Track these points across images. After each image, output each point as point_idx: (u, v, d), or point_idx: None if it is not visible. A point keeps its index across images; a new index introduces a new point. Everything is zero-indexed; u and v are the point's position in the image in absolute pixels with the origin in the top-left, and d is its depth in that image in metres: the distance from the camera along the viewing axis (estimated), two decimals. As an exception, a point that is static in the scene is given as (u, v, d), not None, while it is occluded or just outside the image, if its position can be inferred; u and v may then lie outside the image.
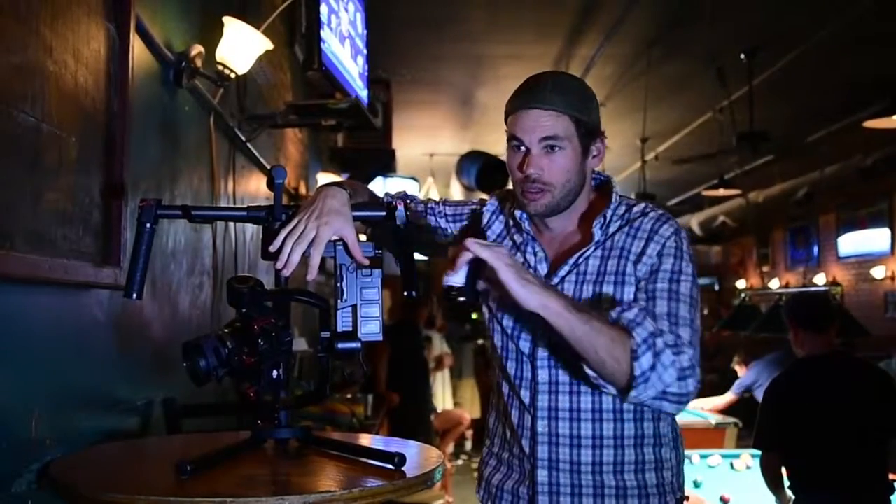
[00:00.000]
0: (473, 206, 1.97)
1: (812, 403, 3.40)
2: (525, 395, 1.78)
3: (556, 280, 1.74)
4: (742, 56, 6.58)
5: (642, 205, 1.78)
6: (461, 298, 1.55)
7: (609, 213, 1.75)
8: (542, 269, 1.78)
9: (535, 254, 1.79)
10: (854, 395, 3.39)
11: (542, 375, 1.75)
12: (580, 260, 1.74)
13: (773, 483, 3.57)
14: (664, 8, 6.03)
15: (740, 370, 6.31)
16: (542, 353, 1.75)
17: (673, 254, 1.70)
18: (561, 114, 1.69)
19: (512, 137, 1.73)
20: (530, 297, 1.53)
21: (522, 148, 1.71)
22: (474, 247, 1.52)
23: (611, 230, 1.75)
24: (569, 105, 1.69)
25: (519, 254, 1.82)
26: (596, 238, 1.73)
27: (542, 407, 1.74)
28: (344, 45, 3.94)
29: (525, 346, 1.78)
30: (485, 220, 1.92)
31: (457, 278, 1.53)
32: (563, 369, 1.72)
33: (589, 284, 1.71)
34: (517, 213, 1.82)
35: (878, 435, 3.36)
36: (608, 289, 1.70)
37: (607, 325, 1.57)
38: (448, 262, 1.57)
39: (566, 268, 1.74)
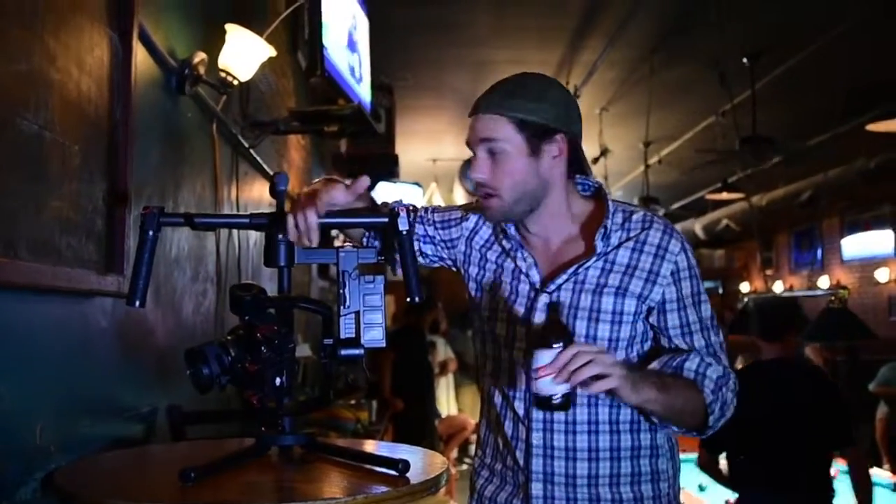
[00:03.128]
0: (460, 213, 1.94)
1: (753, 408, 3.38)
2: (519, 406, 1.75)
3: (552, 287, 1.72)
4: (745, 60, 6.57)
5: (641, 213, 1.76)
6: (558, 407, 1.50)
7: (608, 223, 1.72)
8: (534, 275, 1.75)
9: (524, 260, 1.77)
10: (794, 402, 3.40)
11: None
12: (580, 269, 1.72)
13: (718, 478, 3.71)
14: (667, 13, 6.03)
15: (739, 363, 6.33)
16: None
17: (689, 275, 1.72)
18: (498, 116, 1.66)
19: (466, 145, 1.74)
20: (643, 398, 1.55)
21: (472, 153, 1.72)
22: (590, 367, 1.45)
23: (612, 241, 1.72)
24: (508, 107, 1.66)
25: (509, 259, 1.80)
26: (598, 250, 1.71)
27: (537, 419, 1.71)
28: (347, 51, 3.95)
29: (519, 356, 1.75)
30: (471, 226, 1.90)
31: (562, 388, 1.48)
32: None
33: (587, 294, 1.69)
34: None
35: (820, 443, 3.40)
36: (608, 300, 1.68)
37: (685, 389, 1.64)
38: (547, 367, 1.48)
39: (564, 276, 1.72)
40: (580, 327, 1.68)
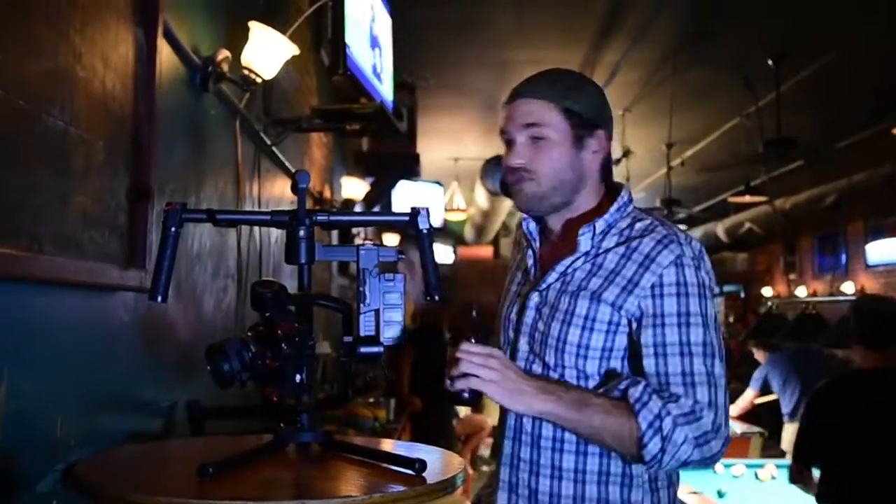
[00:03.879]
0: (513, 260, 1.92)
1: (851, 419, 3.24)
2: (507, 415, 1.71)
3: (542, 286, 1.67)
4: (770, 62, 6.53)
5: (648, 221, 1.65)
6: (465, 403, 1.59)
7: (601, 223, 1.64)
8: (533, 274, 1.73)
9: (530, 258, 1.74)
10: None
11: None
12: (568, 269, 1.65)
13: (808, 487, 3.47)
14: (691, 14, 6.00)
15: (759, 355, 6.30)
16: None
17: (676, 292, 1.55)
18: (544, 101, 1.63)
19: (501, 133, 1.69)
20: (526, 408, 1.53)
21: (510, 141, 1.67)
22: (463, 365, 1.52)
23: (605, 245, 1.64)
24: (554, 93, 1.63)
25: (523, 261, 1.79)
26: (582, 248, 1.64)
27: (509, 426, 1.67)
28: (369, 48, 3.95)
29: (507, 347, 1.74)
30: (513, 247, 1.91)
31: (460, 384, 1.54)
32: None
33: (567, 295, 1.62)
34: (523, 221, 1.78)
35: None
36: (582, 304, 1.59)
37: (611, 413, 1.51)
38: (449, 362, 1.56)
39: (554, 275, 1.66)
40: (554, 329, 1.61)
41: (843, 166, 8.76)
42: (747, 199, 9.07)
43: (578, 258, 1.64)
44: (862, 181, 8.76)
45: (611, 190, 1.74)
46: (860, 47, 5.96)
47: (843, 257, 12.02)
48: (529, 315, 1.68)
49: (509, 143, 1.67)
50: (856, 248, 11.68)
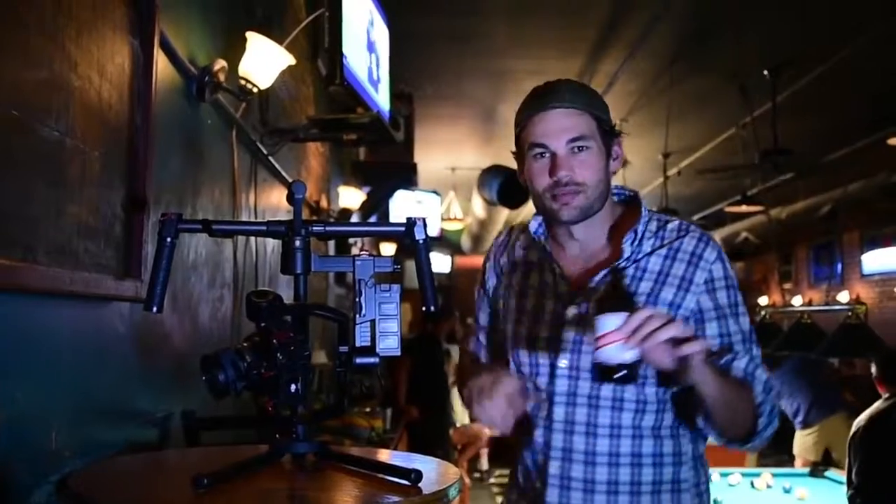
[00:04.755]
0: (483, 277, 1.93)
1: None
2: (539, 431, 1.70)
3: (580, 299, 1.66)
4: (766, 73, 6.54)
5: (676, 222, 1.70)
6: (623, 379, 1.40)
7: (640, 228, 1.67)
8: (562, 286, 1.71)
9: (553, 271, 1.73)
10: None
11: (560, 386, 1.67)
12: (608, 275, 1.66)
13: None
14: (688, 24, 6.02)
15: None
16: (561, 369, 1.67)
17: (725, 285, 1.64)
18: (583, 112, 1.63)
19: (533, 146, 1.64)
20: (704, 377, 1.44)
21: (547, 154, 1.64)
22: (671, 330, 1.35)
23: (644, 249, 1.67)
24: (587, 102, 1.65)
25: (534, 275, 1.77)
26: (626, 254, 1.65)
27: (556, 447, 1.67)
28: (366, 60, 3.96)
29: (544, 380, 1.70)
30: (492, 261, 1.89)
31: (630, 355, 1.37)
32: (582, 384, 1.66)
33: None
34: (533, 229, 1.76)
35: None
36: None
37: (736, 382, 1.57)
38: (615, 332, 1.38)
39: (593, 283, 1.66)
40: None
41: (838, 176, 8.78)
42: (743, 208, 9.08)
43: (619, 262, 1.66)
44: (857, 191, 8.78)
45: (628, 198, 1.80)
46: (855, 58, 5.97)
47: (839, 267, 12.03)
48: (569, 328, 1.66)
49: (542, 155, 1.65)
50: (851, 257, 11.69)
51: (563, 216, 1.66)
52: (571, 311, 1.67)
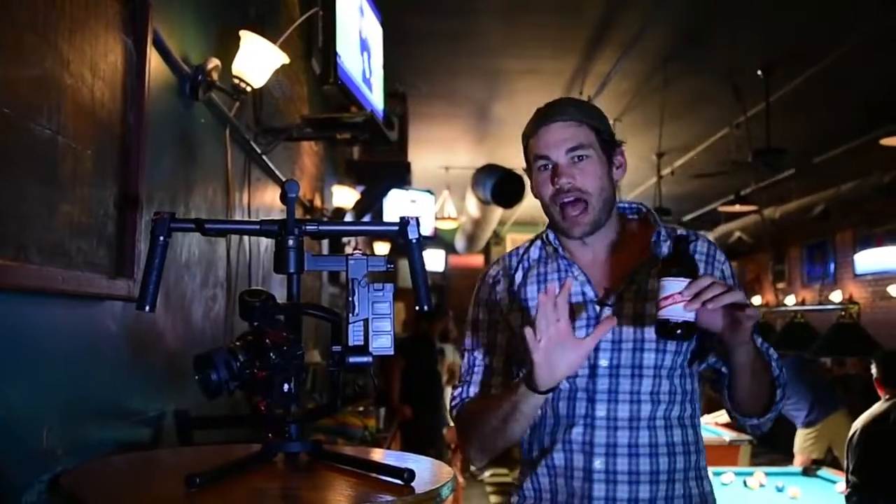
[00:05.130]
0: (478, 292, 1.93)
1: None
2: (578, 433, 1.73)
3: (612, 299, 1.73)
4: (759, 72, 6.56)
5: (683, 230, 1.81)
6: (682, 336, 1.57)
7: (662, 230, 1.78)
8: (588, 292, 1.75)
9: (576, 278, 1.77)
10: None
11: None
12: (635, 277, 1.74)
13: None
14: (681, 24, 6.03)
15: None
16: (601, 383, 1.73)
17: (734, 283, 1.76)
18: (581, 123, 1.73)
19: (537, 157, 1.75)
20: (749, 343, 1.61)
21: (550, 165, 1.74)
22: (734, 295, 1.52)
23: (663, 251, 1.77)
24: (586, 115, 1.75)
25: (555, 283, 1.78)
26: (655, 252, 1.75)
27: (599, 443, 1.71)
28: (360, 59, 3.96)
29: (582, 381, 1.73)
30: (488, 296, 1.89)
31: (689, 315, 1.54)
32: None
33: (650, 303, 1.66)
34: (551, 236, 1.82)
35: None
36: None
37: (764, 356, 1.72)
38: (680, 294, 1.54)
39: (623, 285, 1.74)
40: (649, 335, 1.69)
41: (831, 176, 8.80)
42: (737, 208, 9.11)
43: (643, 262, 1.75)
44: (850, 191, 8.80)
45: (637, 210, 1.91)
46: (849, 58, 5.99)
47: (832, 266, 12.07)
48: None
49: (546, 167, 1.75)
50: (844, 257, 11.73)
51: (574, 233, 1.76)
52: (607, 312, 1.74)
